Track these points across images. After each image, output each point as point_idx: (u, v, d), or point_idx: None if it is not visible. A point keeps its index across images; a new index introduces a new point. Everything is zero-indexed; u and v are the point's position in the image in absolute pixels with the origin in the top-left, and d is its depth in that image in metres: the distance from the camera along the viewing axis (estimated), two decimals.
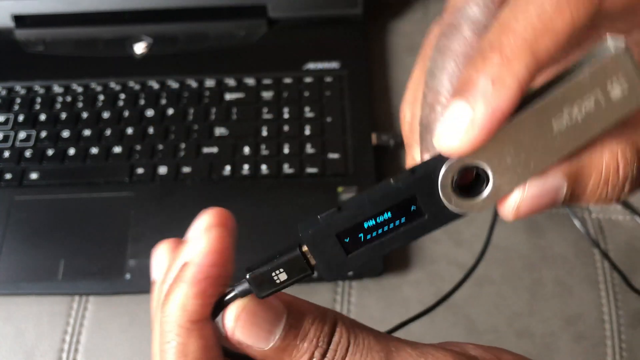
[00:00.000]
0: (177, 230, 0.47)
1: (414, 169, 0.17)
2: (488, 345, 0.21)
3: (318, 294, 0.44)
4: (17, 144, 0.51)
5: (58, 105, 0.53)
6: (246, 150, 0.50)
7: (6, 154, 0.51)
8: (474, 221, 0.48)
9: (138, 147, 0.50)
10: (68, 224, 0.47)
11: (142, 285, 0.44)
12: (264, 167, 0.49)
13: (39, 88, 0.54)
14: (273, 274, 0.19)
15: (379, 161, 0.50)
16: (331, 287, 0.45)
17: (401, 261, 0.46)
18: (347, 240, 0.18)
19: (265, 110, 0.52)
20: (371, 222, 0.18)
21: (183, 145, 0.50)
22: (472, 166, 0.17)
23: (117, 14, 0.58)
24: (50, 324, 0.44)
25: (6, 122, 0.53)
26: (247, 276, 0.19)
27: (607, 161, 0.17)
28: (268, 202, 0.47)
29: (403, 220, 0.18)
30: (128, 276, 0.44)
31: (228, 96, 0.53)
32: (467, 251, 0.46)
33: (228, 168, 0.49)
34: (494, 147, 0.17)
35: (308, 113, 0.52)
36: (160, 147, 0.50)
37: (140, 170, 0.49)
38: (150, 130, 0.51)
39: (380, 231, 0.18)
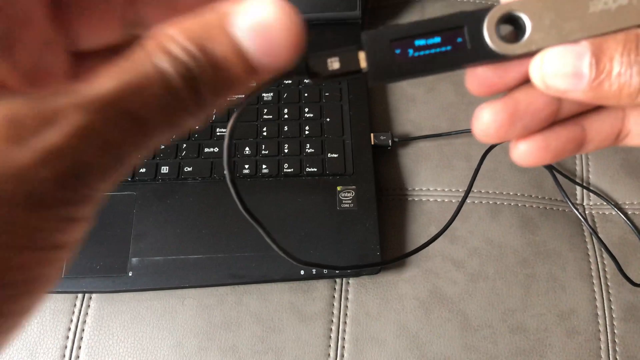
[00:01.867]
0: (179, 228, 0.48)
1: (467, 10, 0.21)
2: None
3: (316, 291, 0.45)
4: None
5: None
6: (247, 150, 0.51)
7: None
8: (468, 219, 0.48)
9: None
10: None
11: (144, 283, 0.45)
12: (264, 167, 0.50)
13: None
14: (328, 59, 0.20)
15: (377, 161, 0.51)
16: (329, 284, 0.46)
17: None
18: (398, 50, 0.20)
19: (265, 110, 0.53)
20: (422, 42, 0.20)
21: (184, 145, 0.51)
22: (515, 15, 0.20)
23: None
24: (53, 322, 0.44)
25: None
26: (306, 56, 0.20)
27: (626, 36, 0.19)
28: (268, 200, 0.48)
29: (449, 48, 0.20)
30: (130, 274, 0.45)
31: None
32: (461, 248, 0.47)
33: None
34: (538, 5, 0.20)
35: (307, 113, 0.53)
36: (162, 146, 0.51)
37: (142, 170, 0.50)
38: None
39: (427, 52, 0.20)
